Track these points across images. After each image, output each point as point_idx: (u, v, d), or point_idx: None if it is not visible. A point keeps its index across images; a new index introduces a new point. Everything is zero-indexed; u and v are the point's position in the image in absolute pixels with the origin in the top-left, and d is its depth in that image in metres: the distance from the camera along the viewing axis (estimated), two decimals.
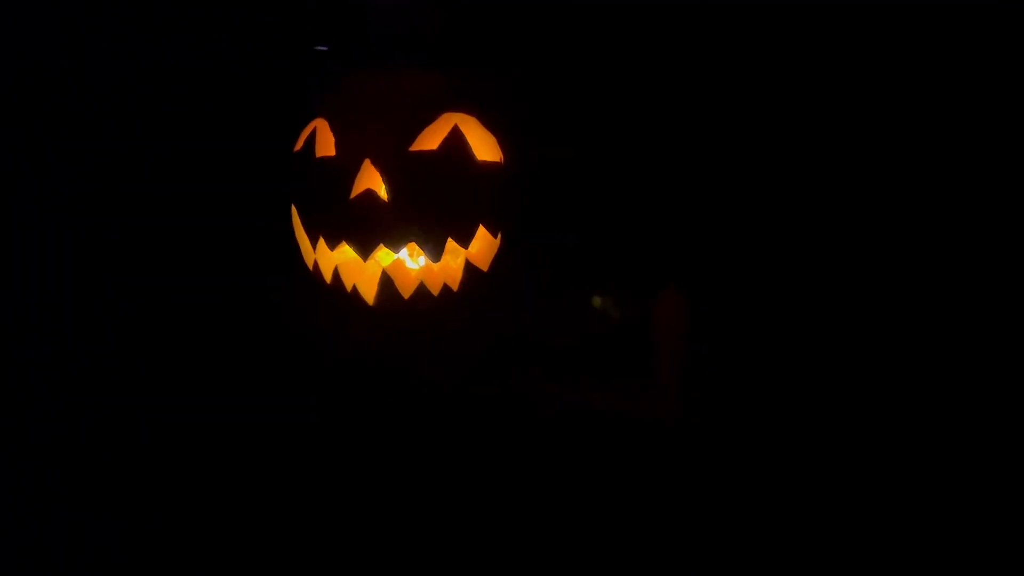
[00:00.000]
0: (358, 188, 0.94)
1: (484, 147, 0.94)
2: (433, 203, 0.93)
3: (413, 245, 0.94)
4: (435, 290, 0.97)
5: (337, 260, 0.98)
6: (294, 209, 1.02)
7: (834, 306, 0.95)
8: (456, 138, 0.94)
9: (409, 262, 0.99)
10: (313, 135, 0.99)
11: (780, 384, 0.92)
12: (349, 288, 0.99)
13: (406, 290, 0.97)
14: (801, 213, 0.97)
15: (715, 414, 0.91)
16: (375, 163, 0.93)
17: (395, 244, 0.94)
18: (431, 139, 0.93)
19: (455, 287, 0.97)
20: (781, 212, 0.97)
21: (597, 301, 1.01)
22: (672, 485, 0.87)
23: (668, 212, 1.01)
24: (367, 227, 0.94)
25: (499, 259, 0.97)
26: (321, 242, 0.98)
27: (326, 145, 0.98)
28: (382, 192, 0.93)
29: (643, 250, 1.02)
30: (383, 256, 0.96)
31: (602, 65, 1.04)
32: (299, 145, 1.01)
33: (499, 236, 0.96)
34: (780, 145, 0.98)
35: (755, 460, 0.87)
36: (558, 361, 1.00)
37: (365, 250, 0.95)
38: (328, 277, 1.00)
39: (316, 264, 1.01)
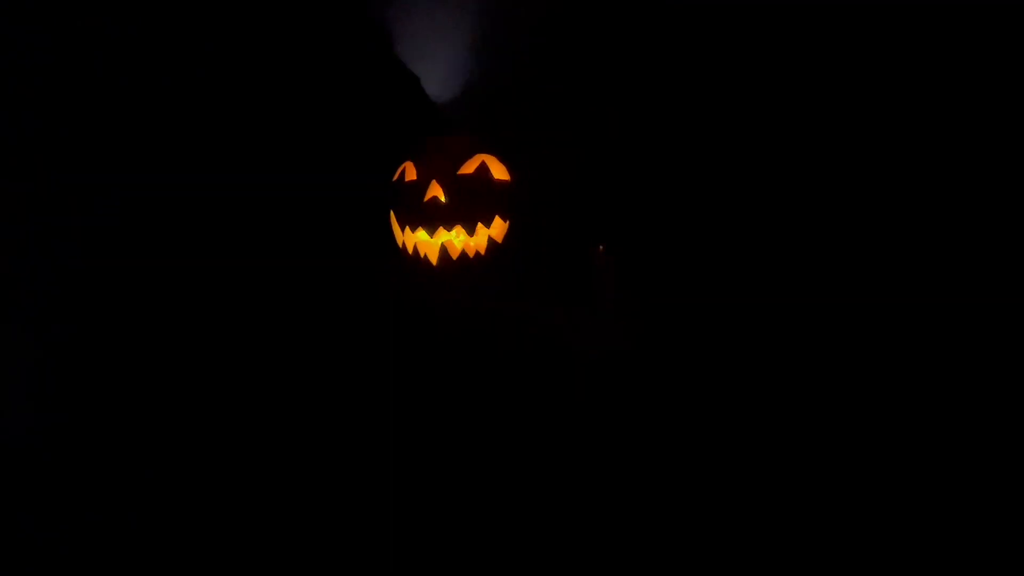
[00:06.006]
0: (428, 196, 1.67)
1: (500, 172, 1.68)
2: (471, 203, 1.66)
3: (459, 227, 1.66)
4: (471, 253, 1.68)
5: (416, 239, 1.71)
6: (392, 212, 1.76)
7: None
8: (483, 168, 1.67)
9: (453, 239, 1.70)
10: (404, 170, 1.75)
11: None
12: (423, 256, 1.71)
13: (454, 254, 1.68)
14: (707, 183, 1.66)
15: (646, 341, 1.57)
16: (438, 182, 1.67)
17: (449, 226, 1.67)
18: (470, 168, 1.67)
19: (483, 252, 1.68)
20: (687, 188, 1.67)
21: None
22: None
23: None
24: (433, 218, 1.67)
25: (508, 235, 1.68)
26: (407, 228, 1.71)
27: (411, 175, 1.72)
28: (442, 197, 1.66)
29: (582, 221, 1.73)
30: (441, 234, 1.69)
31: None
32: (396, 176, 1.77)
33: (507, 221, 1.67)
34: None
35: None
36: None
37: (431, 231, 1.67)
38: (410, 250, 1.73)
39: (404, 243, 1.74)
